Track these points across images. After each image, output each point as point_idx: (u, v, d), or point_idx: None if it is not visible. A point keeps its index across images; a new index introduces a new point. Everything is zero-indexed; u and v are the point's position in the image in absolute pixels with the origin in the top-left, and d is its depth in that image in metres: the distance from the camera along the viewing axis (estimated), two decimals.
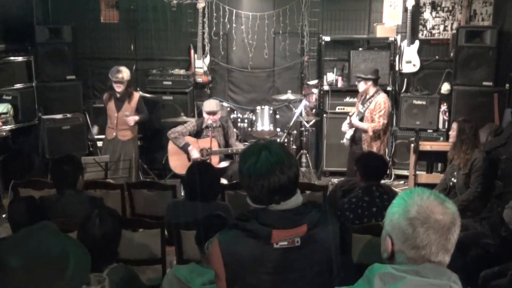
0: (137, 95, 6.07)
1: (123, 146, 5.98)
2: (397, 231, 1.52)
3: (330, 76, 7.02)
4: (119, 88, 5.84)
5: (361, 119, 5.53)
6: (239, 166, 1.86)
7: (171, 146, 5.71)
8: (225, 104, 7.10)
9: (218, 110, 5.63)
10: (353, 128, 5.62)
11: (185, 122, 5.86)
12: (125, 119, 5.88)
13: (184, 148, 5.58)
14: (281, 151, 1.83)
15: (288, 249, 1.76)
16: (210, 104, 5.65)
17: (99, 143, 6.59)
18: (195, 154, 5.56)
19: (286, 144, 6.48)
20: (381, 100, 5.45)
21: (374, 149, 5.45)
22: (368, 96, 5.56)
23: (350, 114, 5.74)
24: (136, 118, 5.95)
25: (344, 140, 5.77)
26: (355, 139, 5.63)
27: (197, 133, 5.72)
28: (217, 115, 5.62)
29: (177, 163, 5.67)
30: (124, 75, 5.84)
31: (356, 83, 5.67)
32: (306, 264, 1.80)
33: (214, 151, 5.55)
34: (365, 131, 5.46)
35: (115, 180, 5.03)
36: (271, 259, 1.75)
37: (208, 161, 5.39)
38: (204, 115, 5.62)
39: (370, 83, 5.49)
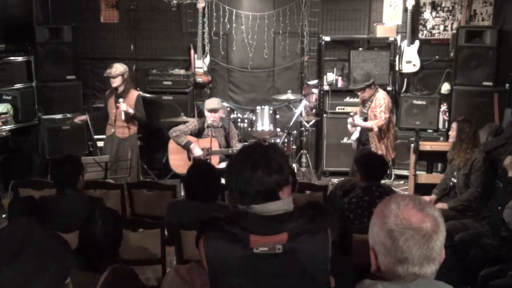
0: (135, 93, 6.04)
1: (120, 143, 5.95)
2: (378, 244, 1.44)
3: (330, 76, 7.02)
4: (113, 83, 5.83)
5: (365, 120, 5.54)
6: (226, 166, 1.91)
7: (171, 145, 5.71)
8: (225, 104, 7.09)
9: (219, 108, 5.65)
10: (359, 130, 5.62)
11: (185, 122, 5.86)
12: (117, 105, 5.78)
13: (186, 146, 5.57)
14: (270, 152, 1.83)
15: (269, 255, 1.74)
16: (212, 102, 5.68)
17: (99, 143, 6.59)
18: (197, 152, 5.55)
19: (286, 144, 6.48)
20: (380, 96, 5.49)
21: (383, 148, 5.47)
22: (369, 97, 5.58)
23: (352, 113, 5.74)
24: (130, 110, 5.81)
25: (352, 142, 5.78)
26: (362, 140, 5.64)
27: (198, 133, 5.72)
28: (219, 113, 5.63)
29: (178, 163, 5.67)
30: (113, 70, 5.79)
31: (360, 93, 5.63)
32: (288, 272, 1.77)
33: (214, 151, 5.55)
34: (370, 130, 5.47)
35: (115, 180, 5.03)
36: (251, 263, 1.74)
37: (208, 161, 5.39)
38: (206, 113, 5.62)
39: (372, 86, 5.53)
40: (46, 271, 1.33)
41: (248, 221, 1.76)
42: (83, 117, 6.38)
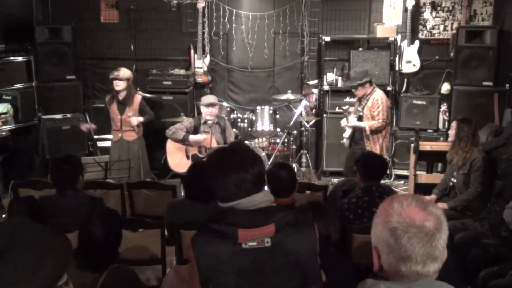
0: (138, 97, 6.02)
1: (129, 146, 5.95)
2: (381, 243, 1.44)
3: (330, 76, 7.02)
4: (117, 86, 5.80)
5: (360, 118, 5.55)
6: (206, 170, 1.93)
7: (169, 145, 5.72)
8: (225, 104, 7.10)
9: (216, 103, 5.69)
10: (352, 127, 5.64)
11: None
12: (128, 120, 5.85)
13: (185, 139, 5.58)
14: (243, 150, 1.90)
15: (258, 250, 1.75)
16: (208, 97, 5.75)
17: (99, 143, 6.59)
18: (198, 137, 5.58)
19: (286, 144, 6.49)
20: (378, 96, 5.49)
21: (377, 146, 5.47)
22: (365, 95, 5.58)
23: (344, 111, 5.79)
24: (141, 119, 5.90)
25: (344, 140, 5.79)
26: (355, 138, 5.64)
27: (195, 130, 5.73)
28: (216, 108, 5.66)
29: (176, 162, 5.68)
30: (121, 73, 5.79)
31: (353, 90, 5.67)
32: (277, 267, 1.78)
33: (211, 148, 5.54)
34: (365, 130, 5.49)
35: (115, 180, 5.02)
36: (241, 260, 1.75)
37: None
38: (203, 109, 5.64)
39: (367, 85, 5.53)
40: (37, 268, 1.32)
41: (235, 216, 1.79)
42: (91, 127, 6.28)
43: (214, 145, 5.58)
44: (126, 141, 5.96)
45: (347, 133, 5.68)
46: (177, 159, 5.68)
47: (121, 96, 5.88)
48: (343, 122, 5.73)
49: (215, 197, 1.88)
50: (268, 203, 1.85)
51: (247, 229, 1.75)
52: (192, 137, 5.59)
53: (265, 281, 1.78)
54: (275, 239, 1.77)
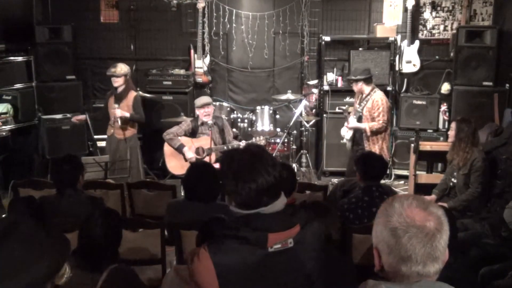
0: (133, 93, 5.97)
1: (119, 144, 5.93)
2: (382, 243, 1.44)
3: (330, 76, 7.03)
4: (115, 82, 5.80)
5: (359, 118, 5.55)
6: (223, 172, 1.82)
7: (166, 148, 5.71)
8: (225, 104, 7.10)
9: (210, 102, 5.72)
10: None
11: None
12: (112, 111, 5.78)
13: (179, 149, 5.59)
14: (262, 152, 1.83)
15: (281, 252, 1.75)
16: (201, 99, 5.76)
17: (99, 143, 6.59)
18: (189, 155, 5.57)
19: (286, 144, 6.49)
20: (378, 98, 5.48)
21: (377, 147, 5.47)
22: (364, 95, 5.58)
23: (344, 112, 5.80)
24: (126, 114, 5.78)
25: (345, 140, 5.79)
26: (356, 139, 5.64)
27: (193, 132, 5.72)
28: (211, 107, 5.67)
29: (175, 165, 5.67)
30: (117, 69, 5.77)
31: (350, 84, 5.71)
32: (298, 264, 1.79)
33: (210, 149, 5.54)
34: (365, 131, 5.49)
35: (114, 180, 5.02)
36: (266, 264, 1.74)
37: (205, 159, 5.40)
38: (199, 111, 5.63)
39: (360, 83, 5.52)
40: (31, 265, 1.32)
41: (262, 221, 1.75)
42: (82, 117, 6.43)
43: (212, 146, 5.58)
44: (117, 138, 5.93)
45: (348, 134, 5.67)
46: (175, 162, 5.67)
47: (119, 90, 5.88)
48: (343, 131, 5.73)
49: (235, 202, 1.80)
50: (284, 205, 1.84)
51: (277, 233, 1.74)
52: (185, 150, 5.57)
53: (289, 281, 1.78)
54: (296, 239, 1.77)
